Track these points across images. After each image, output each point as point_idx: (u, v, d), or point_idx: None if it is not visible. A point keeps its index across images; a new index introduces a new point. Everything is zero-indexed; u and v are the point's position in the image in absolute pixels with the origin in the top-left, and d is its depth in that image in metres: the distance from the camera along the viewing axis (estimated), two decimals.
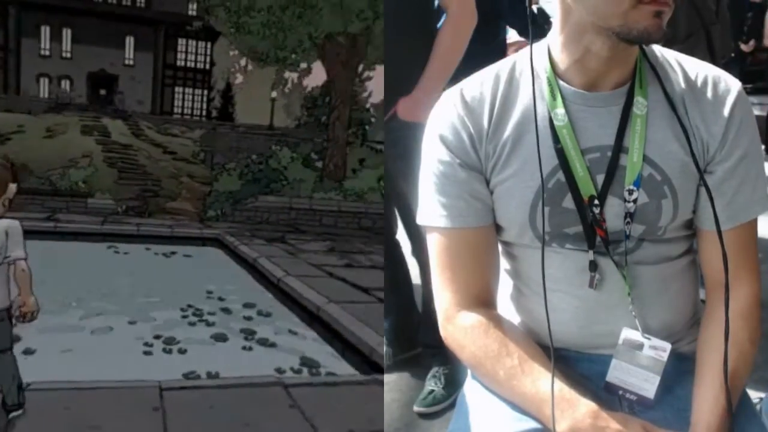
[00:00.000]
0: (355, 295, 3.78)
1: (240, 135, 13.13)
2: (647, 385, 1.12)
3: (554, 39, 1.10)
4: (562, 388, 1.03)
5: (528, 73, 1.14)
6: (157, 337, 3.05)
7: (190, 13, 17.08)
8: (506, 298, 1.24)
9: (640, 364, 1.12)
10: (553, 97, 1.10)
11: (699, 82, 1.11)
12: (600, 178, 1.10)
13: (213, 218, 8.07)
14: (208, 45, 18.59)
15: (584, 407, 1.02)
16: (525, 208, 1.12)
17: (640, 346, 1.12)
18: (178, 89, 18.76)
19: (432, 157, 1.16)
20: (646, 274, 1.13)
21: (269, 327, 3.48)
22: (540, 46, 1.15)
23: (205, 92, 19.24)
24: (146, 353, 2.86)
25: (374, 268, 4.85)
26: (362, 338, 2.84)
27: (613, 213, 1.11)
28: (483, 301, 1.17)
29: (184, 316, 3.53)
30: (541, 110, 1.11)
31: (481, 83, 1.16)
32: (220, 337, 3.20)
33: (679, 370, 1.14)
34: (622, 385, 1.13)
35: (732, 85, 1.11)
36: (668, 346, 1.11)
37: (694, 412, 1.07)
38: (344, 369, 2.78)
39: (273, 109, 15.16)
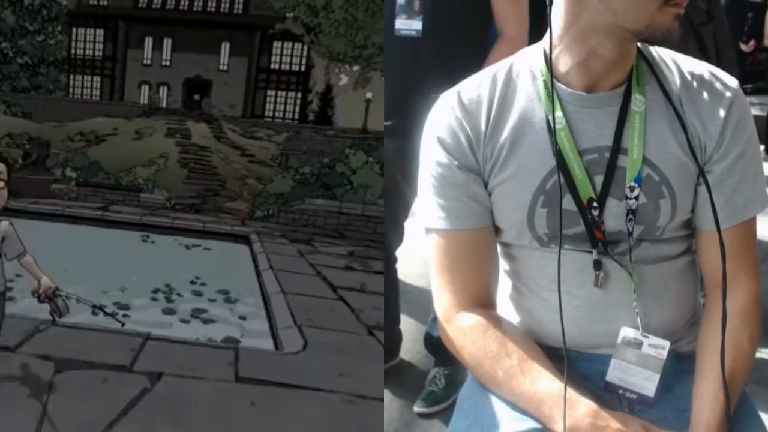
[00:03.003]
0: None
1: (327, 138, 13.07)
2: (647, 384, 1.12)
3: (554, 42, 1.10)
4: (561, 387, 1.03)
5: (525, 75, 1.15)
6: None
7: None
8: (506, 299, 1.25)
9: (639, 362, 1.12)
10: (550, 99, 1.10)
11: (695, 81, 1.11)
12: (598, 180, 1.11)
13: (260, 218, 8.32)
14: (305, 47, 18.43)
15: (584, 407, 1.03)
16: (523, 210, 1.12)
17: (639, 345, 1.12)
18: (271, 92, 18.83)
19: (430, 160, 1.16)
20: (646, 273, 1.14)
21: (227, 309, 3.94)
22: (535, 49, 1.16)
23: (299, 95, 19.19)
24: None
25: None
26: None
27: (612, 214, 1.11)
28: (482, 302, 1.17)
29: (155, 291, 4.12)
30: (539, 112, 1.12)
31: (478, 85, 1.16)
32: (170, 311, 3.72)
33: (679, 370, 1.15)
34: (622, 384, 1.14)
35: (728, 83, 1.11)
36: (667, 344, 1.12)
37: (694, 411, 1.08)
38: None
39: (367, 110, 14.68)
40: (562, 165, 1.09)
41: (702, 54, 2.45)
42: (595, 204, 1.11)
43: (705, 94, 1.10)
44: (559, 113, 1.10)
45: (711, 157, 1.10)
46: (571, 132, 1.10)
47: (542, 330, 1.18)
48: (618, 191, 1.10)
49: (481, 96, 1.15)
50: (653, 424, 1.04)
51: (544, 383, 1.06)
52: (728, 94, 1.10)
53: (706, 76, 1.12)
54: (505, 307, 1.24)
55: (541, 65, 1.13)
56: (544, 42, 1.13)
